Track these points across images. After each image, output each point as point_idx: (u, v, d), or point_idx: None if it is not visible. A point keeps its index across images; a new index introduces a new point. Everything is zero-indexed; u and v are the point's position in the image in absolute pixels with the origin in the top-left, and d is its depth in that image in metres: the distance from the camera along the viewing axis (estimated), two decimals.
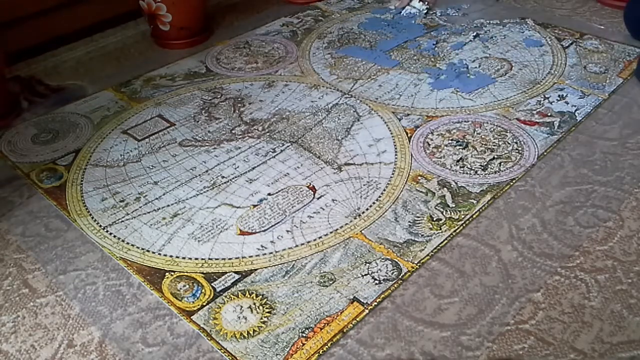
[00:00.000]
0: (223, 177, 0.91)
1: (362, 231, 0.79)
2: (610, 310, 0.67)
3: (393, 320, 0.67)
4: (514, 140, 0.96)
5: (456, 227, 0.79)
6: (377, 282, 0.71)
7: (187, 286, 0.72)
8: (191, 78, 1.20)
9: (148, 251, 0.78)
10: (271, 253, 0.76)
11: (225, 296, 0.70)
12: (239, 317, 0.67)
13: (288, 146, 0.97)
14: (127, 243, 0.79)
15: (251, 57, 1.27)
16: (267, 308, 0.68)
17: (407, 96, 1.10)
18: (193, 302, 0.70)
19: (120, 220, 0.83)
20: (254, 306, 0.69)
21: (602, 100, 1.05)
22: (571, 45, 1.25)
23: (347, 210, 0.83)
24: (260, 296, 0.70)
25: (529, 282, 0.71)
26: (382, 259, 0.74)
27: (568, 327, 0.65)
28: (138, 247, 0.78)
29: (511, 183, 0.87)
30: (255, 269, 0.74)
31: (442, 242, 0.77)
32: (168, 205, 0.85)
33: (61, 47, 1.35)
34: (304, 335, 0.65)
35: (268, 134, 1.01)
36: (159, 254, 0.77)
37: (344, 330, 0.66)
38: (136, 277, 0.74)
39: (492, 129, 0.99)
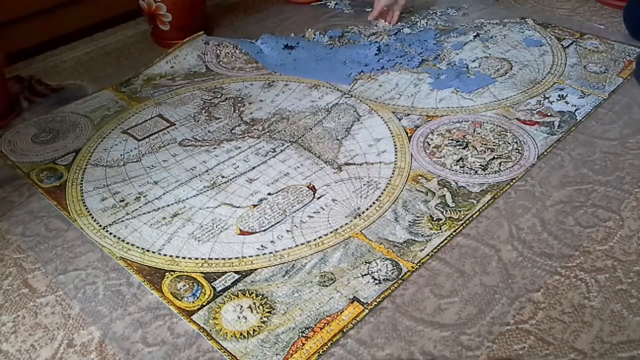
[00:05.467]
0: (223, 176, 0.91)
1: (362, 231, 0.79)
2: (610, 310, 0.67)
3: (393, 320, 0.67)
4: (514, 140, 0.96)
5: (456, 227, 0.79)
6: (377, 282, 0.71)
7: (187, 286, 0.72)
8: (191, 78, 1.20)
9: (148, 251, 0.78)
10: (271, 253, 0.76)
11: (225, 296, 0.70)
12: (239, 317, 0.67)
13: (288, 146, 0.97)
14: (127, 243, 0.79)
15: (251, 56, 1.26)
16: (267, 308, 0.68)
17: (407, 96, 1.10)
18: (193, 301, 0.70)
19: (120, 220, 0.83)
20: (254, 306, 0.69)
21: (602, 100, 1.05)
22: (571, 45, 1.25)
23: (347, 210, 0.83)
24: (260, 296, 0.70)
25: (529, 282, 0.71)
26: (382, 258, 0.74)
27: (568, 326, 0.65)
28: (138, 247, 0.78)
29: (511, 183, 0.87)
30: (255, 269, 0.74)
31: (442, 242, 0.77)
32: (168, 205, 0.85)
33: (61, 47, 1.35)
34: (304, 335, 0.65)
35: (268, 133, 1.01)
36: (159, 253, 0.77)
37: (344, 330, 0.66)
38: (136, 277, 0.74)
39: (492, 129, 0.99)
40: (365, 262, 0.74)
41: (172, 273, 0.74)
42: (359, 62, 1.21)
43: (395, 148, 0.95)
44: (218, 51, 1.26)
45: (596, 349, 0.63)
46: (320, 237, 0.78)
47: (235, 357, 0.63)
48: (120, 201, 0.87)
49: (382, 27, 1.37)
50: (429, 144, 0.96)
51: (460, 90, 1.11)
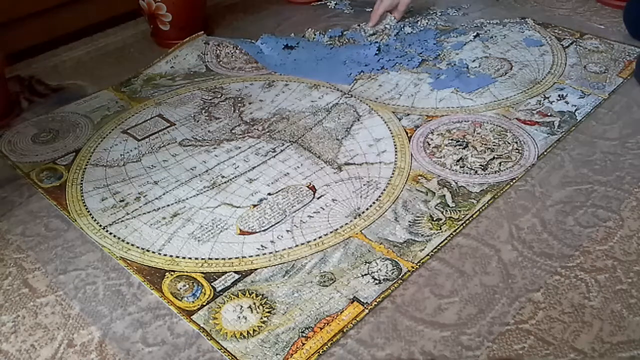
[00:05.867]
0: (223, 176, 0.91)
1: (362, 231, 0.79)
2: (610, 310, 0.67)
3: (393, 320, 0.67)
4: (514, 140, 0.96)
5: (456, 227, 0.79)
6: (377, 281, 0.71)
7: (187, 286, 0.72)
8: (191, 78, 1.20)
9: (148, 251, 0.78)
10: (271, 253, 0.76)
11: (225, 296, 0.70)
12: (239, 317, 0.67)
13: (288, 146, 0.97)
14: (127, 243, 0.79)
15: (251, 56, 1.26)
16: (267, 308, 0.68)
17: (407, 96, 1.10)
18: (193, 301, 0.70)
19: (120, 220, 0.83)
20: (254, 306, 0.69)
21: (602, 100, 1.05)
22: (571, 45, 1.25)
23: (347, 210, 0.83)
24: (260, 296, 0.70)
25: (529, 282, 0.71)
26: (382, 258, 0.74)
27: (568, 326, 0.65)
28: (138, 247, 0.78)
29: (511, 183, 0.87)
30: (255, 269, 0.74)
31: (442, 242, 0.77)
32: (168, 205, 0.85)
33: (61, 47, 1.35)
34: (304, 335, 0.65)
35: (268, 133, 1.01)
36: (159, 253, 0.77)
37: (344, 330, 0.66)
38: (136, 277, 0.74)
39: (492, 129, 0.99)
40: (365, 262, 0.74)
41: (172, 273, 0.74)
42: (359, 62, 1.21)
43: (395, 148, 0.95)
44: (218, 51, 1.26)
45: (596, 349, 0.63)
46: (320, 237, 0.78)
47: (235, 357, 0.63)
48: (120, 201, 0.87)
49: (384, 24, 1.36)
50: (429, 144, 0.96)
51: (460, 90, 1.11)
